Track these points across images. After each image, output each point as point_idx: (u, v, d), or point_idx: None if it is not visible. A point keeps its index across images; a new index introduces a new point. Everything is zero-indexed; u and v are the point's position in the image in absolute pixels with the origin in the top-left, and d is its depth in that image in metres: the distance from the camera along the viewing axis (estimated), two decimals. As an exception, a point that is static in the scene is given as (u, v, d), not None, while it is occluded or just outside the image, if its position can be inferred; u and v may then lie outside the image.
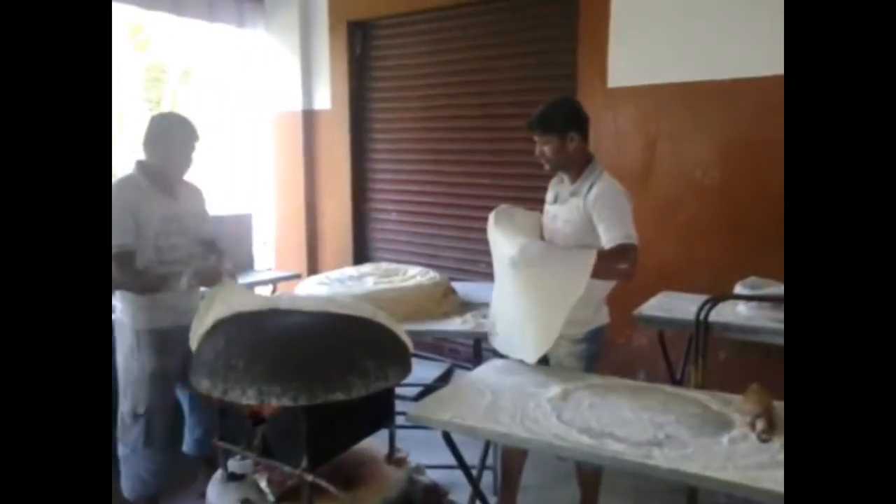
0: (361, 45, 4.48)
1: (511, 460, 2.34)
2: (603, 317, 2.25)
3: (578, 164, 2.19)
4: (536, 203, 3.74)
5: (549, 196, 2.33)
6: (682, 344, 2.82)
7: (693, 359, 2.60)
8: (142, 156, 2.33)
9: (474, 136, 4.02)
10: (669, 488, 2.58)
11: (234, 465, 1.97)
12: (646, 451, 1.48)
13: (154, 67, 7.26)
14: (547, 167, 2.26)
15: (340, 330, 1.82)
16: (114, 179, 2.24)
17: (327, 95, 4.60)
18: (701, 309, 2.53)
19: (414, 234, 4.35)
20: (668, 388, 1.92)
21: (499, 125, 3.90)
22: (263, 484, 1.85)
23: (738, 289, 2.63)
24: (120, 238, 2.09)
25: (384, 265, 3.19)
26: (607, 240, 2.06)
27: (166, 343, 1.99)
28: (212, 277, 2.13)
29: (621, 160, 3.42)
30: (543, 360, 2.11)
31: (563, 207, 2.21)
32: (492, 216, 2.29)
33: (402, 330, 1.97)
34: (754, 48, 2.96)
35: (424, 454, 2.38)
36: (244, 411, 1.84)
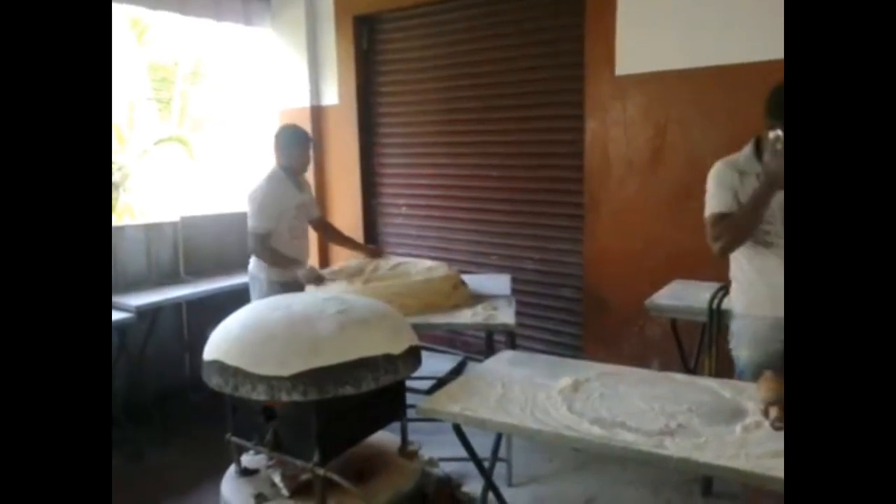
0: (368, 40, 4.47)
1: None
2: None
3: None
4: (548, 193, 3.77)
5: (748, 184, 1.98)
6: (696, 332, 2.79)
7: (706, 347, 2.58)
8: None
9: (483, 128, 4.00)
10: (685, 477, 2.58)
11: (247, 459, 1.99)
12: (657, 440, 1.46)
13: (161, 67, 7.30)
14: None
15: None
16: (264, 175, 3.07)
17: (335, 91, 4.60)
18: (713, 297, 2.50)
19: (424, 228, 4.35)
20: (680, 377, 1.90)
21: (508, 115, 3.88)
22: (277, 479, 1.87)
23: (752, 275, 2.59)
24: (265, 223, 2.96)
25: (394, 259, 3.19)
26: None
27: (286, 290, 2.62)
28: (312, 280, 2.84)
29: (631, 148, 3.39)
30: None
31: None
32: None
33: (408, 324, 1.97)
34: (764, 31, 2.91)
35: (438, 446, 2.39)
36: (256, 406, 1.85)
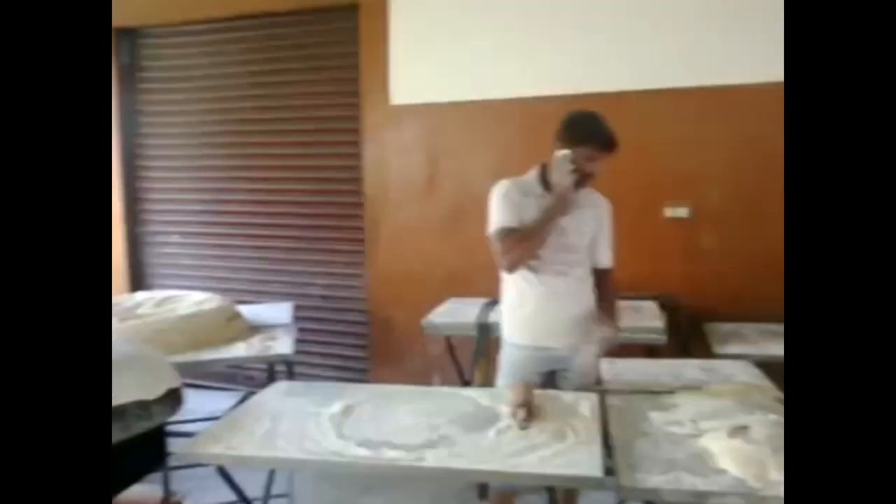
0: (130, 54, 4.10)
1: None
2: None
3: None
4: (330, 218, 3.77)
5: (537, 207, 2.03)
6: (471, 346, 2.98)
7: (476, 359, 2.78)
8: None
9: (263, 152, 3.90)
10: (461, 485, 2.73)
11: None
12: (419, 454, 1.52)
13: None
14: (585, 185, 2.05)
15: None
16: None
17: (90, 108, 4.13)
18: (481, 312, 2.71)
19: (200, 257, 4.08)
20: (446, 390, 2.01)
21: (288, 140, 3.84)
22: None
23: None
24: None
25: (161, 293, 2.93)
26: (607, 257, 2.18)
27: None
28: None
29: (407, 175, 3.55)
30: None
31: (572, 219, 2.04)
32: None
33: (169, 365, 1.82)
34: (524, 69, 3.28)
35: (216, 491, 2.22)
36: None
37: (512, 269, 2.04)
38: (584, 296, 2.13)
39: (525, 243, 1.98)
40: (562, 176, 1.97)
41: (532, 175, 2.12)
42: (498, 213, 2.04)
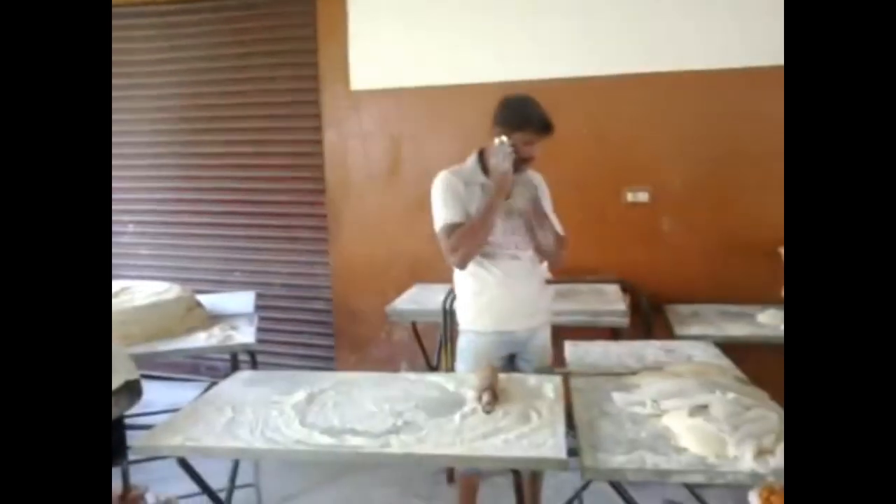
0: (79, 36, 3.94)
1: (467, 487, 2.15)
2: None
3: None
4: (292, 205, 3.70)
5: (482, 195, 2.02)
6: (437, 332, 2.98)
7: (443, 344, 2.78)
8: None
9: (221, 139, 3.79)
10: (431, 470, 2.74)
11: None
12: (384, 440, 1.52)
13: None
14: (524, 169, 2.04)
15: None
16: None
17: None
18: (446, 298, 2.71)
19: (157, 246, 3.97)
20: (412, 376, 2.00)
21: (247, 126, 3.74)
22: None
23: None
24: None
25: (117, 283, 2.85)
26: (556, 226, 2.14)
27: None
28: None
29: (368, 160, 3.51)
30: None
31: (514, 202, 2.02)
32: None
33: (127, 356, 1.77)
34: (486, 54, 3.26)
35: (181, 482, 2.19)
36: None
37: (462, 264, 2.01)
38: (537, 276, 2.15)
39: (471, 237, 1.97)
40: (501, 161, 1.97)
41: (471, 162, 2.10)
42: (441, 208, 2.02)
